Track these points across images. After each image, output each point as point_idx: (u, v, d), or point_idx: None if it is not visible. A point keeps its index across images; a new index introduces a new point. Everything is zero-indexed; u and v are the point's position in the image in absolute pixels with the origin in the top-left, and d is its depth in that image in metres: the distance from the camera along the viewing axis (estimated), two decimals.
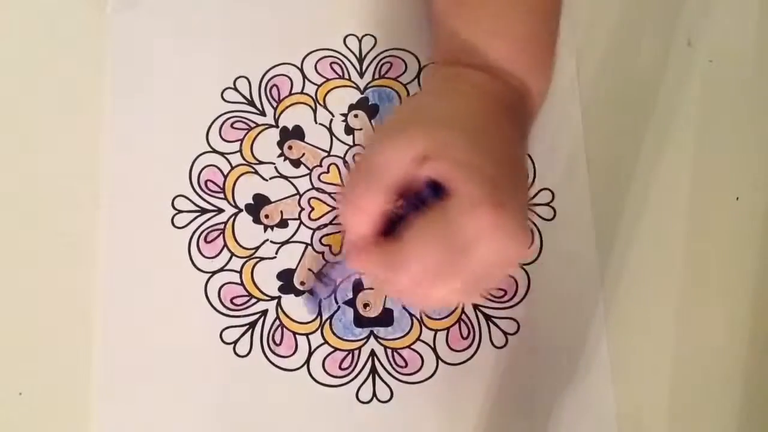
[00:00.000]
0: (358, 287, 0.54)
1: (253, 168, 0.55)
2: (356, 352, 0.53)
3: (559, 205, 0.56)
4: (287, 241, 0.54)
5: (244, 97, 0.56)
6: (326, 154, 0.56)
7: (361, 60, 0.58)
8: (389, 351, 0.53)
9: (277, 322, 0.53)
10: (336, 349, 0.53)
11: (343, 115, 0.57)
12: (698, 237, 0.56)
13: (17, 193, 0.54)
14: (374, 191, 0.42)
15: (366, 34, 0.58)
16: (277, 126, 0.56)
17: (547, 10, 0.51)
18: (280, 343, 0.53)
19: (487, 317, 0.54)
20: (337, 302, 0.53)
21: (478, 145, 0.43)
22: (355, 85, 0.57)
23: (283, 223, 0.55)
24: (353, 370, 0.53)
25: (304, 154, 0.56)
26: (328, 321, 0.53)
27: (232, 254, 0.54)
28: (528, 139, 0.50)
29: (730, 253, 0.56)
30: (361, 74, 0.58)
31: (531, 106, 0.49)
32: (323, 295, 0.53)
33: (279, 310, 0.53)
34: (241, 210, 0.55)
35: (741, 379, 0.53)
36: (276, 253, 0.54)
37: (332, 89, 0.57)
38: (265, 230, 0.54)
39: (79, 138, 0.55)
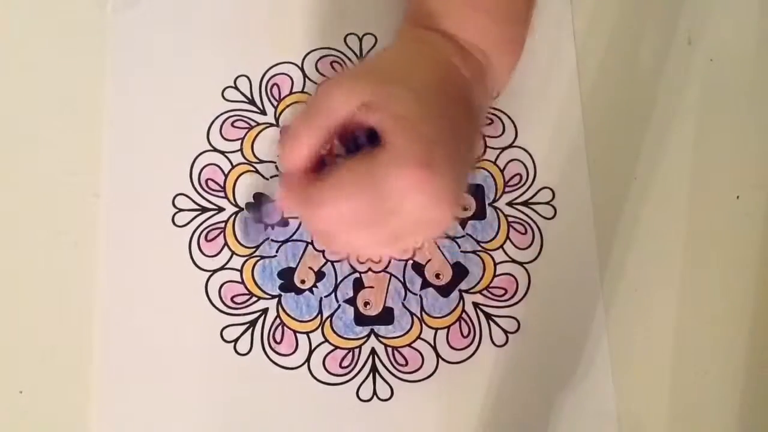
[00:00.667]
0: (358, 286, 0.54)
1: (254, 167, 0.55)
2: (357, 350, 0.53)
3: (560, 204, 0.56)
4: (288, 240, 0.54)
5: (244, 95, 0.57)
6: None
7: (361, 59, 0.58)
8: (390, 349, 0.53)
9: (278, 321, 0.53)
10: (336, 347, 0.53)
11: (251, 206, 0.56)
12: (698, 237, 0.55)
13: (17, 192, 0.54)
14: (314, 128, 0.44)
15: (366, 33, 0.58)
16: (277, 125, 0.56)
17: None
18: (281, 342, 0.53)
19: (488, 316, 0.54)
20: (337, 300, 0.53)
21: (424, 106, 0.44)
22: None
23: (283, 222, 0.55)
24: (354, 368, 0.53)
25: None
26: (329, 319, 0.53)
27: (233, 253, 0.54)
28: (483, 115, 0.51)
29: (730, 252, 0.56)
30: None
31: (492, 82, 0.50)
32: (252, 235, 0.53)
33: (279, 308, 0.53)
34: (241, 209, 0.55)
35: (741, 379, 0.53)
36: (276, 251, 0.54)
37: None
38: (265, 229, 0.54)
39: (79, 138, 0.55)
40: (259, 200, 0.55)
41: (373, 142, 0.43)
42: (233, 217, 0.54)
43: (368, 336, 0.53)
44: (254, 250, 0.54)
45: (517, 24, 0.52)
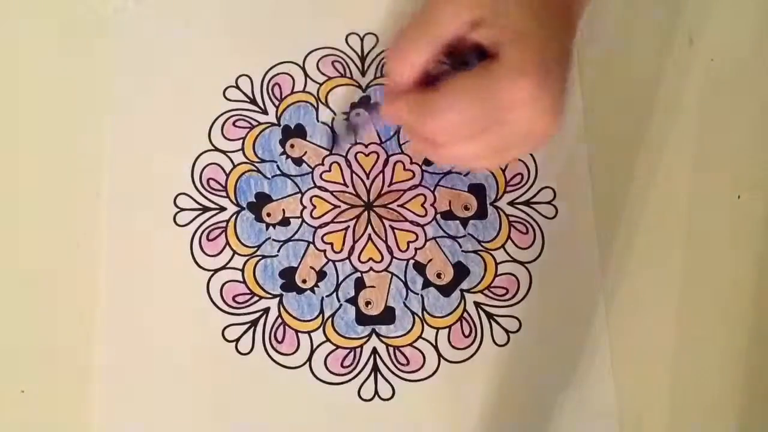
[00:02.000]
0: (360, 285, 0.54)
1: (255, 166, 0.55)
2: (358, 349, 0.53)
3: (560, 204, 0.56)
4: (289, 240, 0.54)
5: (246, 95, 0.57)
6: (328, 152, 0.56)
7: (362, 58, 0.58)
8: (391, 349, 0.53)
9: (279, 320, 0.53)
10: (338, 347, 0.53)
11: (345, 113, 0.57)
12: (698, 237, 0.56)
13: (18, 192, 0.54)
14: (423, 43, 0.44)
15: (368, 33, 0.58)
16: (279, 124, 0.56)
17: None
18: (282, 341, 0.53)
19: (489, 315, 0.54)
20: (339, 300, 0.53)
21: (535, 20, 0.44)
22: (356, 84, 0.57)
23: (285, 222, 0.55)
24: (355, 367, 0.53)
25: (306, 153, 0.56)
26: (330, 319, 0.53)
27: (234, 252, 0.54)
28: (578, 25, 0.50)
29: (730, 252, 0.56)
30: (363, 73, 0.58)
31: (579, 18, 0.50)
32: (341, 142, 0.54)
33: (281, 308, 0.53)
34: (243, 208, 0.55)
35: (741, 379, 0.53)
36: (278, 251, 0.54)
37: (334, 88, 0.57)
38: (267, 228, 0.54)
39: (80, 137, 0.55)
40: (357, 107, 0.56)
41: (481, 59, 0.43)
42: (235, 216, 0.54)
43: (370, 335, 0.53)
44: (256, 249, 0.54)
45: None
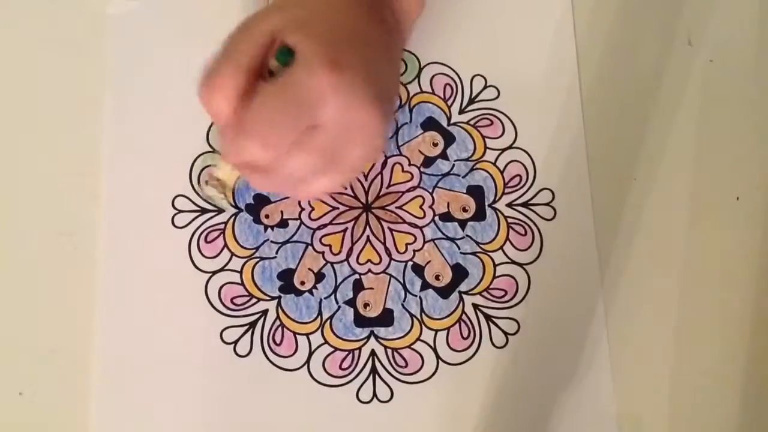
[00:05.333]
0: (358, 287, 0.54)
1: None
2: (356, 352, 0.53)
3: (560, 205, 0.56)
4: (288, 241, 0.54)
5: None
6: None
7: None
8: (389, 351, 0.53)
9: (278, 322, 0.53)
10: (336, 349, 0.53)
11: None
12: (698, 237, 0.55)
13: (18, 193, 0.54)
14: (228, 68, 0.43)
15: None
16: None
17: None
18: (281, 343, 0.53)
19: (488, 317, 0.54)
20: (337, 302, 0.53)
21: (324, 18, 0.45)
22: None
23: (283, 223, 0.55)
24: (353, 370, 0.53)
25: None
26: (329, 321, 0.53)
27: (233, 254, 0.54)
28: (399, 44, 0.51)
29: (730, 253, 0.56)
30: None
31: (396, 7, 0.50)
32: (212, 193, 0.51)
33: (279, 310, 0.53)
34: (241, 210, 0.55)
35: (741, 379, 0.53)
36: (276, 252, 0.54)
37: None
38: (265, 230, 0.54)
39: (79, 138, 0.55)
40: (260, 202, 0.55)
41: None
42: (233, 218, 0.54)
43: (368, 337, 0.53)
44: (254, 251, 0.54)
45: None
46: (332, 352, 0.53)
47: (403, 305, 0.54)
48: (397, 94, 0.52)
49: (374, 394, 0.52)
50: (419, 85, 0.58)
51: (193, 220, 0.54)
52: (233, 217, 0.54)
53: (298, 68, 0.42)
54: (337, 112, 0.42)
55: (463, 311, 0.54)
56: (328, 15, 0.45)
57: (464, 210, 0.55)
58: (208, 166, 0.54)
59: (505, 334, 0.54)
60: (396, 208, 0.55)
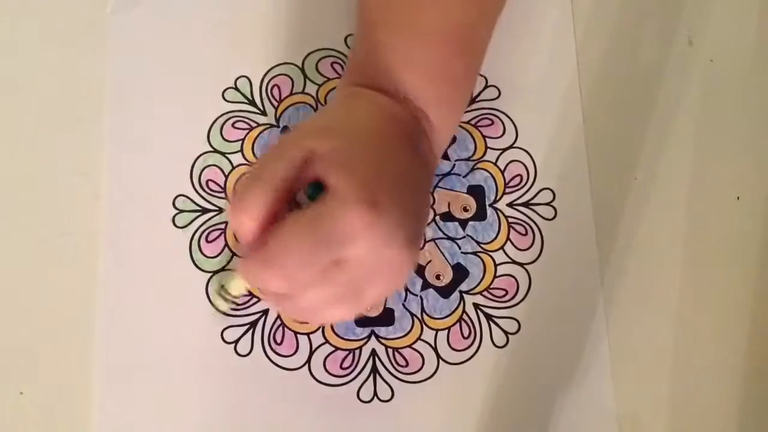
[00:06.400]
0: None
1: None
2: (357, 351, 0.53)
3: (560, 205, 0.56)
4: None
5: (245, 96, 0.56)
6: None
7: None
8: (390, 350, 0.53)
9: (278, 322, 0.53)
10: (337, 348, 0.53)
11: (335, 89, 0.56)
12: (698, 237, 0.55)
13: (17, 192, 0.54)
14: (257, 192, 0.42)
15: None
16: (278, 125, 0.56)
17: (464, 42, 0.51)
18: (281, 343, 0.53)
19: (488, 317, 0.54)
20: None
21: (363, 149, 0.44)
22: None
23: None
24: (354, 369, 0.53)
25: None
26: None
27: (234, 254, 0.54)
28: (431, 173, 0.51)
29: (730, 253, 0.56)
30: None
31: (431, 139, 0.49)
32: (224, 308, 0.52)
33: None
34: None
35: (741, 379, 0.53)
36: None
37: (333, 89, 0.57)
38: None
39: (79, 138, 0.55)
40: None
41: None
42: None
43: (369, 337, 0.53)
44: None
45: (454, 83, 0.51)
46: (333, 352, 0.53)
47: (403, 305, 0.54)
48: (423, 235, 0.52)
49: (375, 394, 0.52)
50: None
51: (194, 219, 0.54)
52: None
53: (333, 202, 0.41)
54: (366, 252, 0.41)
55: (463, 311, 0.54)
56: (370, 146, 0.44)
57: (465, 210, 0.55)
58: (221, 271, 0.52)
59: (506, 333, 0.54)
60: None
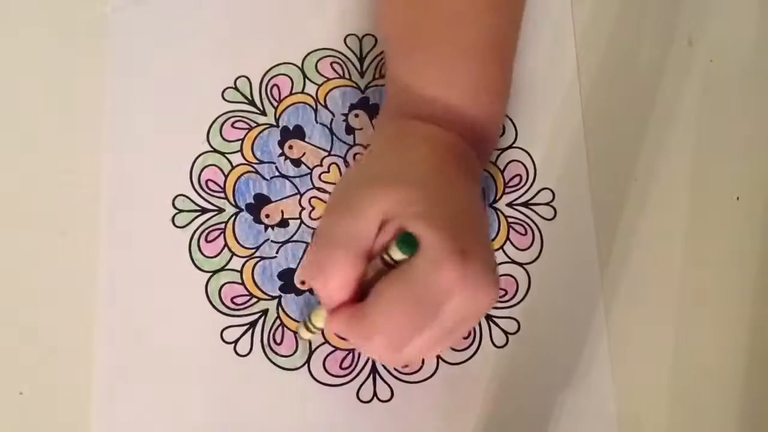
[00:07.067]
0: None
1: (254, 167, 0.55)
2: (357, 351, 0.53)
3: (559, 205, 0.56)
4: (288, 241, 0.54)
5: (244, 96, 0.56)
6: (327, 153, 0.56)
7: (361, 60, 0.58)
8: None
9: (278, 322, 0.53)
10: (336, 348, 0.53)
11: (343, 114, 0.57)
12: (698, 237, 0.55)
13: (17, 193, 0.54)
14: (342, 263, 0.42)
15: (366, 34, 0.58)
16: (277, 125, 0.56)
17: (500, 52, 0.51)
18: (281, 343, 0.53)
19: (488, 317, 0.54)
20: None
21: (434, 198, 0.43)
22: (355, 85, 0.57)
23: (283, 223, 0.55)
24: (354, 369, 0.52)
25: (304, 154, 0.56)
26: None
27: (233, 254, 0.54)
28: (480, 186, 0.50)
29: (730, 253, 0.56)
30: (362, 74, 0.58)
31: (479, 154, 0.49)
32: (308, 337, 0.52)
33: (280, 309, 0.53)
34: (241, 209, 0.55)
35: (741, 379, 0.53)
36: (277, 252, 0.54)
37: (333, 89, 0.57)
38: (265, 230, 0.54)
39: (79, 138, 0.55)
40: (356, 108, 0.55)
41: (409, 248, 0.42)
42: (233, 218, 0.54)
43: None
44: (254, 251, 0.54)
45: (496, 96, 0.51)
46: (332, 352, 0.53)
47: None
48: None
49: (374, 394, 0.52)
50: None
51: (194, 219, 0.54)
52: (234, 217, 0.54)
53: (423, 262, 0.41)
54: (462, 305, 0.42)
55: None
56: (441, 196, 0.44)
57: None
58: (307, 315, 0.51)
59: (506, 333, 0.54)
60: None
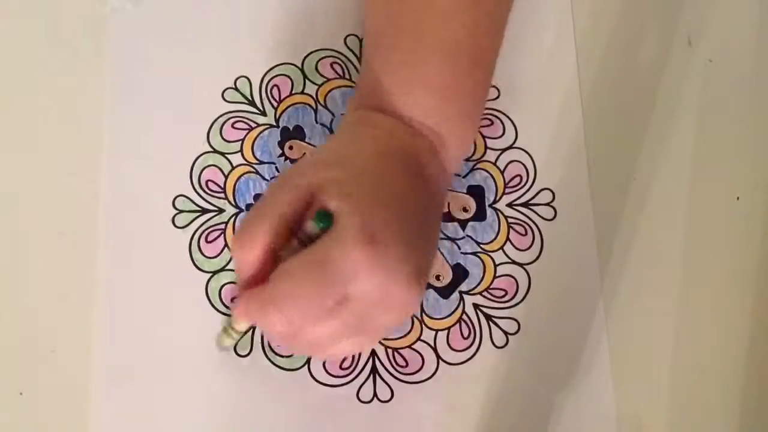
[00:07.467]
0: None
1: (254, 168, 0.55)
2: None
3: (559, 205, 0.56)
4: None
5: (244, 97, 0.56)
6: None
7: (361, 60, 0.58)
8: (390, 351, 0.53)
9: None
10: None
11: (343, 115, 0.57)
12: (698, 237, 0.55)
13: (17, 193, 0.54)
14: (259, 226, 0.42)
15: None
16: (277, 126, 0.56)
17: (473, 53, 0.49)
18: None
19: (488, 317, 0.54)
20: None
21: (364, 183, 0.43)
22: (355, 85, 0.57)
23: None
24: (354, 369, 0.53)
25: (305, 154, 0.56)
26: None
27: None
28: (442, 193, 0.50)
29: (730, 253, 0.56)
30: None
31: (444, 158, 0.49)
32: (230, 343, 0.52)
33: None
34: (242, 210, 0.55)
35: (741, 379, 0.53)
36: None
37: (333, 89, 0.57)
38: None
39: (79, 138, 0.55)
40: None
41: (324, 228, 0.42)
42: (233, 218, 0.54)
43: None
44: None
45: (467, 99, 0.50)
46: None
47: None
48: (434, 259, 0.51)
49: (374, 394, 0.52)
50: None
51: (194, 220, 0.54)
52: (234, 217, 0.54)
53: (332, 242, 0.41)
54: (370, 289, 0.41)
55: (463, 311, 0.54)
56: (371, 182, 0.44)
57: (464, 210, 0.55)
58: (220, 272, 0.53)
59: (506, 333, 0.54)
60: None
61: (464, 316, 0.54)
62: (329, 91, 0.57)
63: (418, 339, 0.53)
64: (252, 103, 0.56)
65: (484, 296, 0.54)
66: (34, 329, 0.52)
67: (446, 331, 0.53)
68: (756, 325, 0.54)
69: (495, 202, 0.56)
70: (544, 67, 0.58)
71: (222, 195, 0.55)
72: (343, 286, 0.41)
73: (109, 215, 0.54)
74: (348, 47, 0.58)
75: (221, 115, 0.56)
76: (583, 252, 0.55)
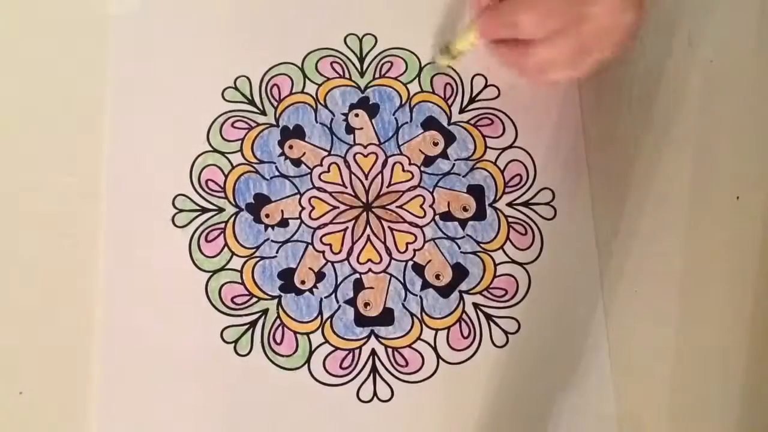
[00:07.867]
0: (358, 287, 0.54)
1: (254, 167, 0.55)
2: (357, 351, 0.53)
3: (560, 205, 0.56)
4: (288, 241, 0.54)
5: (244, 96, 0.57)
6: (327, 153, 0.56)
7: (361, 59, 0.58)
8: (390, 350, 0.53)
9: (278, 322, 0.53)
10: (337, 348, 0.53)
11: (343, 114, 0.57)
12: (698, 237, 0.55)
13: (17, 193, 0.54)
14: None
15: (366, 34, 0.58)
16: (277, 125, 0.56)
17: None
18: (281, 343, 0.53)
19: (488, 316, 0.54)
20: (338, 301, 0.53)
21: None
22: (355, 85, 0.57)
23: (283, 223, 0.55)
24: (354, 369, 0.53)
25: (304, 154, 0.56)
26: (329, 320, 0.53)
27: (233, 253, 0.54)
28: None
29: (730, 253, 0.55)
30: (362, 74, 0.58)
31: None
32: (446, 63, 0.57)
33: (280, 309, 0.53)
34: (241, 209, 0.55)
35: (741, 379, 0.53)
36: (276, 252, 0.54)
37: (333, 88, 0.57)
38: (265, 229, 0.54)
39: (79, 138, 0.55)
40: (356, 108, 0.57)
41: None
42: (233, 217, 0.54)
43: (368, 337, 0.53)
44: (254, 250, 0.54)
45: None
46: (332, 352, 0.53)
47: (403, 305, 0.54)
48: None
49: (375, 394, 0.52)
50: (420, 84, 0.58)
51: (194, 219, 0.54)
52: (234, 217, 0.54)
53: None
54: (608, 12, 0.47)
55: (463, 310, 0.54)
56: None
57: (465, 209, 0.55)
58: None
59: (506, 333, 0.54)
60: (396, 207, 0.55)
61: (464, 316, 0.54)
62: (329, 91, 0.57)
63: (418, 338, 0.53)
64: (252, 102, 0.56)
65: (484, 296, 0.54)
66: (34, 329, 0.52)
67: (446, 330, 0.53)
68: (756, 325, 0.54)
69: (495, 201, 0.56)
70: None
71: (222, 194, 0.55)
72: (589, 4, 0.47)
73: (109, 215, 0.54)
74: (348, 46, 0.58)
75: (221, 115, 0.56)
76: (583, 251, 0.55)
